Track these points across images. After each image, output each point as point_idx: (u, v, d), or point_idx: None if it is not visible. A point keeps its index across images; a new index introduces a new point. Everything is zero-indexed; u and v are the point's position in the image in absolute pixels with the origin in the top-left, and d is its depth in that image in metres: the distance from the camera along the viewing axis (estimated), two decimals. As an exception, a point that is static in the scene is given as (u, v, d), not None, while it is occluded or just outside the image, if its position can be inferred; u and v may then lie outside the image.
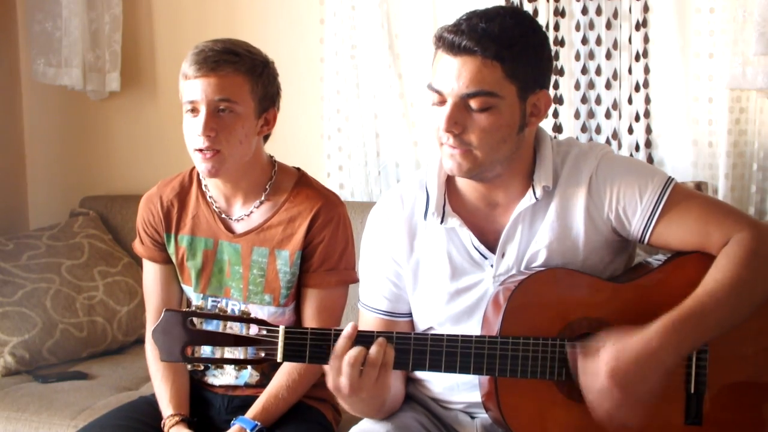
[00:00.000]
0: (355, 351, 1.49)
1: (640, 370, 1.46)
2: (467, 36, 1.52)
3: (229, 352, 1.50)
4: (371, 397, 1.54)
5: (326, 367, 1.52)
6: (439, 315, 1.71)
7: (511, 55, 1.53)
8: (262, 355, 1.50)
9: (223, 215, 2.01)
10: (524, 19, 1.61)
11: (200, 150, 1.86)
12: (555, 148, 1.69)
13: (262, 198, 1.99)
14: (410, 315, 1.77)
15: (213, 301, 2.02)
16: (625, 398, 1.47)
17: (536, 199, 1.64)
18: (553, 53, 2.66)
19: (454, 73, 1.54)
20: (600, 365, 1.47)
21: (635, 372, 1.46)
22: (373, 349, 1.50)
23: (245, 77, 1.86)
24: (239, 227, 2.00)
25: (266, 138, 2.02)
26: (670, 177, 1.65)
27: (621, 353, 1.46)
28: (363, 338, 1.51)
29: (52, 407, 2.38)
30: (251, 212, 1.99)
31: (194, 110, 1.86)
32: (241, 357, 1.50)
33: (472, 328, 1.66)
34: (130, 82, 3.23)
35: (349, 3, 2.90)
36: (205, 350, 1.52)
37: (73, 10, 3.05)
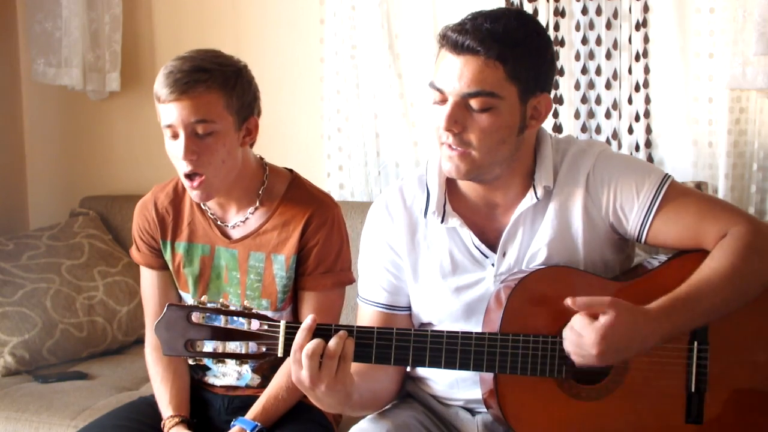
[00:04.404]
0: (313, 343, 1.49)
1: (626, 345, 1.48)
2: (471, 35, 1.53)
3: (231, 347, 1.51)
4: (332, 390, 1.52)
5: (289, 360, 1.53)
6: (440, 311, 1.72)
7: (513, 56, 1.53)
8: (264, 350, 1.51)
9: (219, 222, 2.01)
10: (529, 22, 1.61)
11: (187, 176, 1.86)
12: (554, 146, 1.69)
13: (257, 204, 1.98)
14: (410, 308, 1.78)
15: (213, 305, 2.02)
16: (599, 359, 1.47)
17: (537, 199, 1.65)
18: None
19: (456, 73, 1.54)
20: (594, 330, 1.46)
21: (621, 345, 1.47)
22: (332, 342, 1.50)
23: (218, 93, 1.82)
24: (235, 233, 1.99)
25: (252, 144, 1.99)
26: (666, 174, 1.65)
27: (616, 328, 1.46)
28: (322, 332, 1.51)
29: (52, 407, 2.38)
30: (247, 218, 1.98)
31: (174, 135, 1.84)
32: (243, 352, 1.51)
33: (473, 325, 1.67)
34: (130, 82, 3.23)
35: (349, 3, 2.90)
36: (207, 345, 1.53)
37: (73, 10, 3.05)
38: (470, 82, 1.53)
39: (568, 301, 1.50)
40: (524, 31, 1.56)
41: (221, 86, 1.82)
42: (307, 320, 1.51)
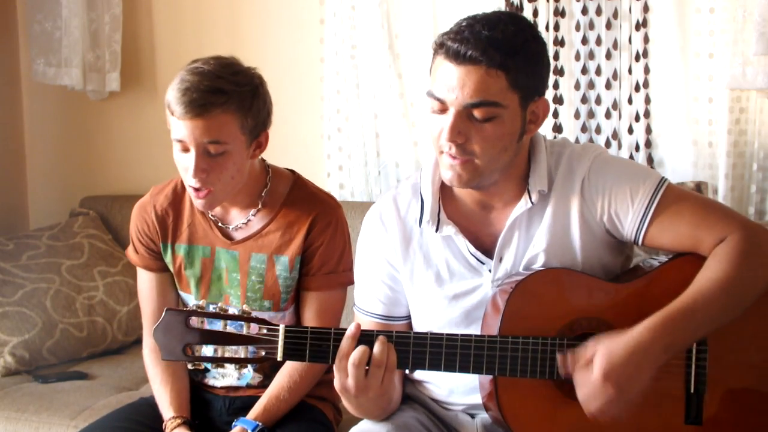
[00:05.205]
0: (358, 352, 1.50)
1: (633, 367, 1.47)
2: (472, 45, 1.50)
3: (230, 351, 1.50)
4: (378, 396, 1.54)
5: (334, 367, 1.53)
6: (438, 319, 1.71)
7: (515, 64, 1.51)
8: (263, 353, 1.50)
9: (220, 224, 2.00)
10: (525, 26, 1.59)
11: (192, 187, 1.85)
12: (548, 149, 1.68)
13: (259, 206, 1.97)
14: (406, 318, 1.77)
15: (213, 308, 2.01)
16: (619, 395, 1.47)
17: (532, 203, 1.64)
18: (553, 53, 2.70)
19: (458, 83, 1.52)
20: (593, 367, 1.47)
21: (627, 370, 1.47)
22: (377, 350, 1.50)
23: (234, 115, 1.80)
24: (237, 235, 1.99)
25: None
26: (662, 178, 1.64)
27: (613, 352, 1.47)
28: (365, 337, 1.52)
29: (52, 407, 2.38)
30: (249, 220, 1.98)
31: (184, 149, 1.82)
32: (242, 356, 1.50)
33: (472, 332, 1.64)
34: (130, 82, 3.23)
35: (349, 3, 2.90)
36: (206, 349, 1.52)
37: (73, 10, 3.05)
38: (473, 92, 1.51)
39: (560, 367, 1.51)
40: (523, 37, 1.54)
41: (237, 109, 1.80)
42: (351, 327, 1.51)
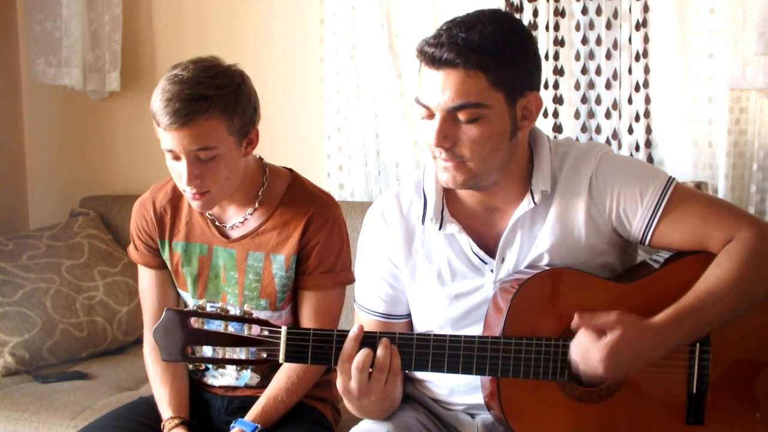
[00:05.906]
0: (362, 355, 1.50)
1: (633, 360, 1.49)
2: (447, 48, 1.50)
3: (231, 353, 1.50)
4: (380, 400, 1.55)
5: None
6: (439, 319, 1.71)
7: (494, 63, 1.51)
8: (264, 355, 1.50)
9: (217, 222, 2.00)
10: (505, 23, 1.57)
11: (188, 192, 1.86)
12: (553, 149, 1.68)
13: (256, 205, 1.97)
14: (407, 317, 1.77)
15: (211, 306, 2.02)
16: (606, 374, 1.49)
17: (534, 204, 1.63)
18: (553, 53, 2.69)
19: (439, 87, 1.52)
20: (600, 348, 1.47)
21: (627, 361, 1.48)
22: (380, 353, 1.50)
23: (219, 119, 1.79)
24: (234, 233, 1.99)
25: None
26: (671, 177, 1.64)
27: (622, 345, 1.47)
28: (367, 339, 1.52)
29: (52, 407, 2.39)
30: (246, 219, 1.98)
31: (175, 158, 1.82)
32: (243, 357, 1.50)
33: (473, 332, 1.65)
34: (130, 82, 3.23)
35: (349, 3, 2.90)
36: (206, 350, 1.52)
37: (73, 10, 3.05)
38: (454, 96, 1.51)
39: (576, 320, 1.51)
40: (501, 34, 1.52)
41: (222, 112, 1.79)
42: (354, 329, 1.52)
